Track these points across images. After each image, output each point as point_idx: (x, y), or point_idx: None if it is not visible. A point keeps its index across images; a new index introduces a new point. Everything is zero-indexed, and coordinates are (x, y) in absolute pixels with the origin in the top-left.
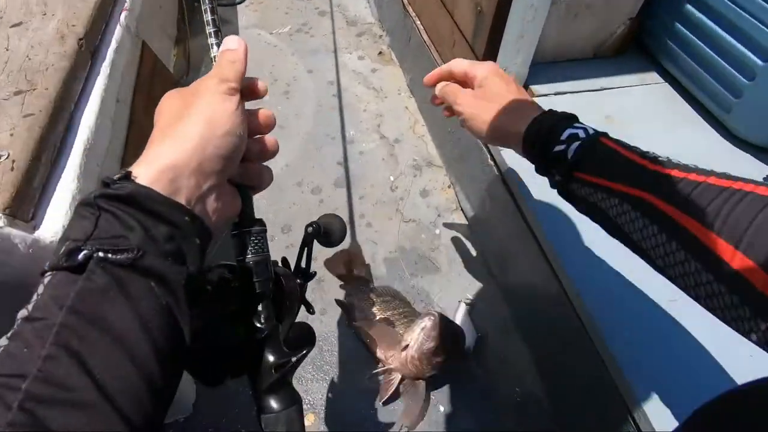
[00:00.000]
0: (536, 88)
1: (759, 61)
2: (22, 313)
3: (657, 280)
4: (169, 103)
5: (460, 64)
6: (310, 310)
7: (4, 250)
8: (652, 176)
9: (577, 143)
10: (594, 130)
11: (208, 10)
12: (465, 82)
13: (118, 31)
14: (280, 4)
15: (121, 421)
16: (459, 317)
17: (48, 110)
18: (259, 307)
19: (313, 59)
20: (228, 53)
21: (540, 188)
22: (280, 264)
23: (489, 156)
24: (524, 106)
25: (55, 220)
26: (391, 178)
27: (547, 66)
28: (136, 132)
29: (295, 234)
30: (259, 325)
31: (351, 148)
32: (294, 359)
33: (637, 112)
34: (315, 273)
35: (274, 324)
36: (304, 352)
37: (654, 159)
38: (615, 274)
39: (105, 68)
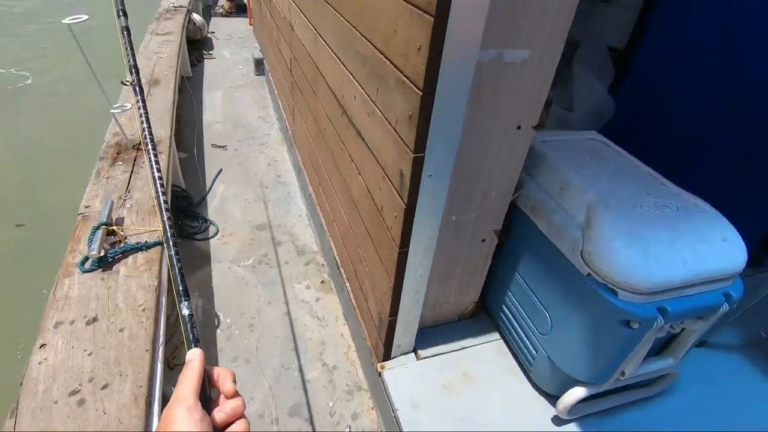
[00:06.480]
0: (421, 353)
1: (540, 334)
2: None
3: None
4: None
5: None
6: None
7: None
8: None
9: None
10: None
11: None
12: None
13: None
14: (245, 236)
15: None
16: None
17: None
18: None
19: (272, 291)
20: (185, 370)
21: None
22: None
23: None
24: None
25: None
26: (330, 404)
27: (428, 330)
28: None
29: None
30: None
31: (300, 377)
32: None
33: (482, 368)
34: None
35: None
36: None
37: None
38: None
39: None
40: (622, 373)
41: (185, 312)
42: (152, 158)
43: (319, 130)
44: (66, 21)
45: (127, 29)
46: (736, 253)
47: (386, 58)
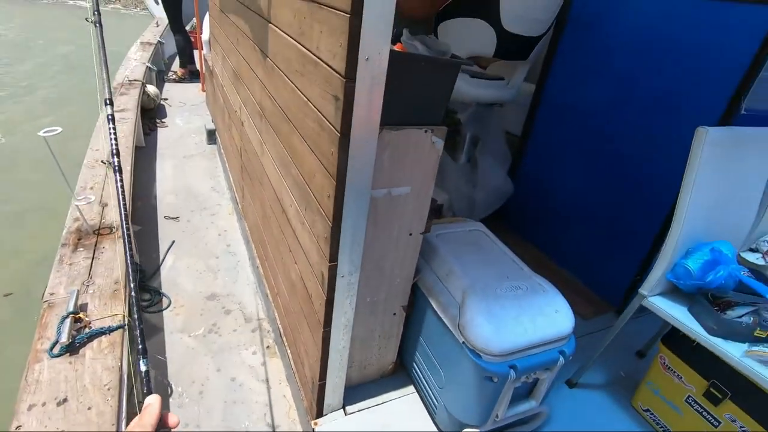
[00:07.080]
0: (348, 409)
1: (438, 387)
2: None
3: None
4: None
5: None
6: None
7: None
8: None
9: None
10: None
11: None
12: None
13: None
14: (195, 306)
15: None
16: None
17: None
18: None
19: (220, 358)
20: (144, 413)
21: None
22: None
23: None
24: None
25: None
26: None
27: (355, 387)
28: None
29: None
30: None
31: None
32: None
33: (400, 418)
34: None
35: None
36: None
37: None
38: None
39: None
40: (497, 416)
41: (143, 368)
42: (128, 250)
43: (265, 215)
44: (41, 134)
45: (112, 116)
46: (565, 321)
47: (310, 190)
